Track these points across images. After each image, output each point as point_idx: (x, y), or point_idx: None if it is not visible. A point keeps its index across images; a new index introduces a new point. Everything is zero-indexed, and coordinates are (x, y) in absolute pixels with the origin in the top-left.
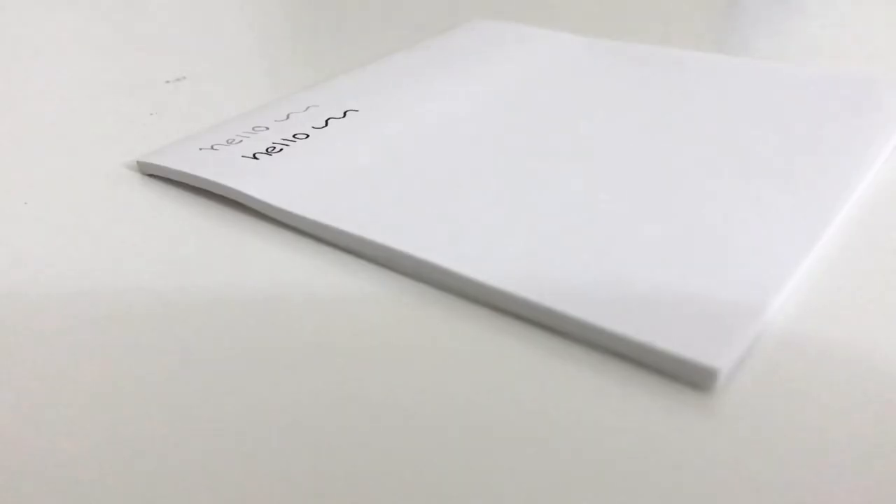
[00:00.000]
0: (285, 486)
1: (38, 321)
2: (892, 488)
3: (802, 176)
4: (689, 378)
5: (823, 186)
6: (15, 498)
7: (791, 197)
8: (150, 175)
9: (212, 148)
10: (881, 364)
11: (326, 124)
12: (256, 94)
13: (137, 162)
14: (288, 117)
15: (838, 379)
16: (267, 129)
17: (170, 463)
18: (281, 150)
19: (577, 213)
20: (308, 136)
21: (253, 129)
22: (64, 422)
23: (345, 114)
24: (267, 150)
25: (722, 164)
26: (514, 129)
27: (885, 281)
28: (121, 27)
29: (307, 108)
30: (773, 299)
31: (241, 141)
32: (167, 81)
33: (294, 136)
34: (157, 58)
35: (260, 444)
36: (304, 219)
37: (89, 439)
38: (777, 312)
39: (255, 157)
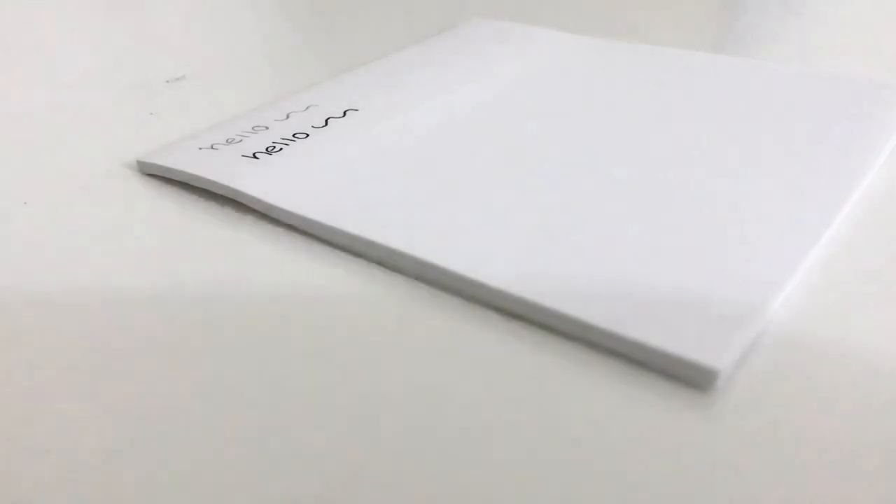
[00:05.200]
0: (282, 485)
1: (37, 320)
2: (894, 489)
3: (803, 176)
4: (689, 378)
5: (824, 187)
6: (13, 495)
7: (791, 197)
8: (150, 174)
9: (212, 147)
10: (882, 364)
11: (326, 124)
12: (256, 94)
13: (137, 161)
14: (288, 117)
15: (839, 379)
16: (267, 128)
17: (165, 462)
18: (281, 149)
19: (577, 212)
20: (308, 135)
21: (253, 128)
22: (64, 422)
23: (345, 113)
24: (267, 149)
25: (721, 164)
26: (513, 129)
27: (885, 281)
28: (121, 26)
29: (307, 108)
30: (774, 299)
31: (241, 140)
32: (167, 81)
33: (294, 135)
34: (157, 58)
35: (257, 443)
36: (303, 218)
37: (88, 440)
38: (777, 312)
39: (255, 156)
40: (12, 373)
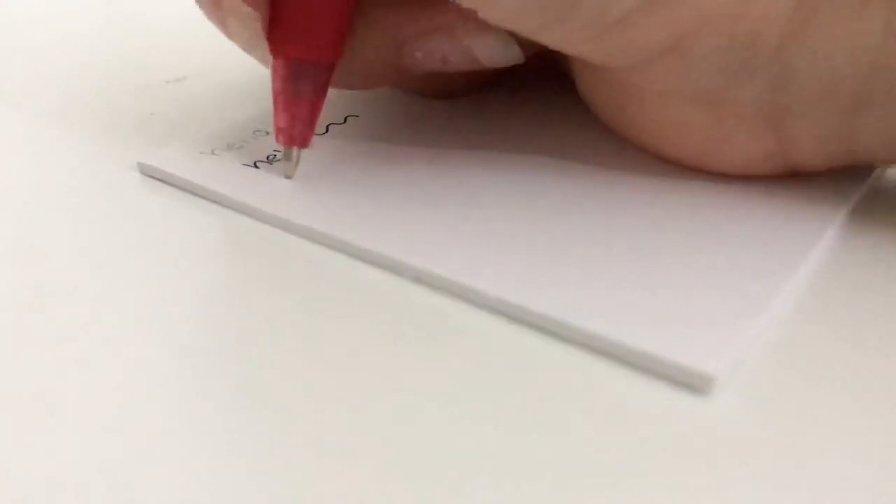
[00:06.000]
0: (278, 483)
1: (37, 320)
2: (893, 492)
3: (796, 186)
4: (685, 383)
5: (824, 188)
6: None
7: (791, 199)
8: (151, 175)
9: (212, 153)
10: (882, 365)
11: (327, 130)
12: (257, 95)
13: (138, 163)
14: None
15: (838, 381)
16: (267, 133)
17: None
18: (281, 159)
19: (571, 218)
20: None
21: (253, 132)
22: (63, 425)
23: (345, 119)
24: (268, 157)
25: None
26: (511, 133)
27: (885, 281)
28: (121, 26)
29: None
30: (771, 302)
31: (242, 147)
32: (167, 81)
33: None
34: (157, 58)
35: (256, 448)
36: (303, 226)
37: (90, 445)
38: (775, 315)
39: (255, 165)
40: (12, 373)
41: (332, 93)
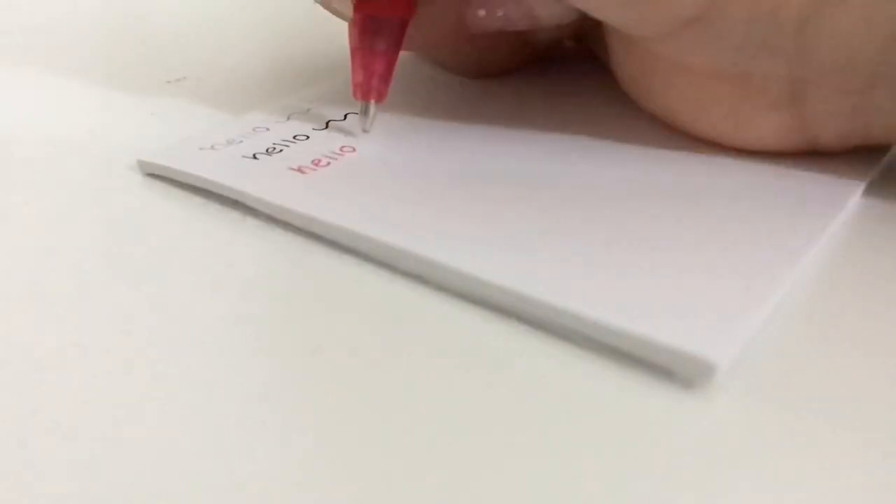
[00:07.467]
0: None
1: (37, 321)
2: (893, 491)
3: (809, 165)
4: (686, 372)
5: (838, 168)
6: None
7: (805, 179)
8: (151, 175)
9: (212, 148)
10: (883, 362)
11: (327, 126)
12: (257, 95)
13: (138, 161)
14: (288, 118)
15: (841, 376)
16: (267, 129)
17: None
18: (281, 150)
19: (570, 202)
20: (308, 137)
21: (253, 129)
22: (64, 426)
23: (345, 116)
24: (267, 150)
25: (726, 152)
26: (509, 125)
27: (891, 273)
28: (121, 26)
29: (308, 110)
30: (777, 290)
31: (242, 141)
32: (167, 81)
33: (294, 137)
34: (157, 58)
35: (252, 450)
36: (303, 216)
37: (91, 441)
38: (781, 304)
39: (255, 157)
40: (13, 373)
41: (332, 90)
